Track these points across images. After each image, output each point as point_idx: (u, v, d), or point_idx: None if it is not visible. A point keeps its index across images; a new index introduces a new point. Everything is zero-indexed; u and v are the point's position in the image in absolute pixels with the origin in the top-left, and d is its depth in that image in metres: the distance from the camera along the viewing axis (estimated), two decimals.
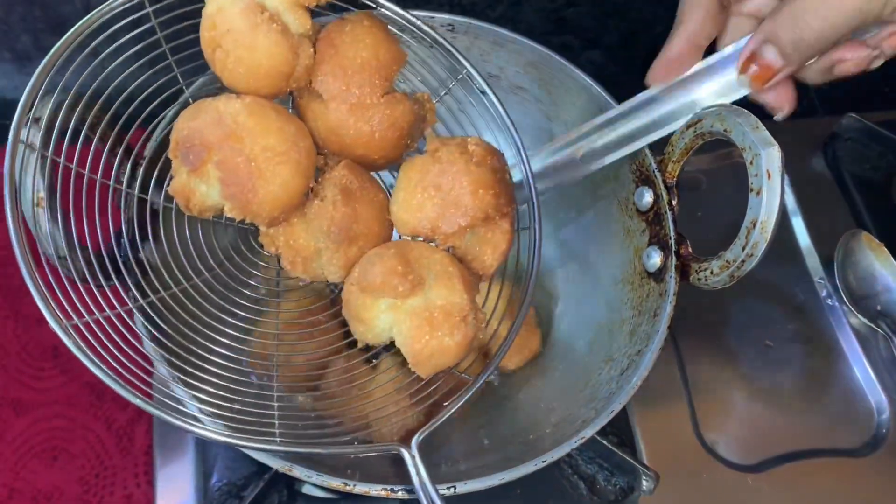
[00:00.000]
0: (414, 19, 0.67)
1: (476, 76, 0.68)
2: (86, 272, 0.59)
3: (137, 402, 0.52)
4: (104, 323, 0.56)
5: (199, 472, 0.76)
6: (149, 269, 0.62)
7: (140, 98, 0.63)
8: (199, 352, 0.59)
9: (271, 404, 0.60)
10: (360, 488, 0.59)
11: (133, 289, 0.60)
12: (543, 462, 0.61)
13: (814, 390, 0.87)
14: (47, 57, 0.58)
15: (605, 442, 0.73)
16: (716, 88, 0.65)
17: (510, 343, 0.63)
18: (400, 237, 0.65)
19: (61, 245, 0.59)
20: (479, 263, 0.64)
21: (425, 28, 0.67)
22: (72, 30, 0.59)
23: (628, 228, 0.77)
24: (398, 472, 0.68)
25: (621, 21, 1.04)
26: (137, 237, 0.63)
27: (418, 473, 0.56)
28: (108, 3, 0.60)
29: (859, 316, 0.90)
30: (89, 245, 0.59)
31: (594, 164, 0.72)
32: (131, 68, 0.62)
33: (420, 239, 0.64)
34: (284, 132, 0.59)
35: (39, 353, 0.83)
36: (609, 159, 0.71)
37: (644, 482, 0.73)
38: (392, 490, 0.59)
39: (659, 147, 0.73)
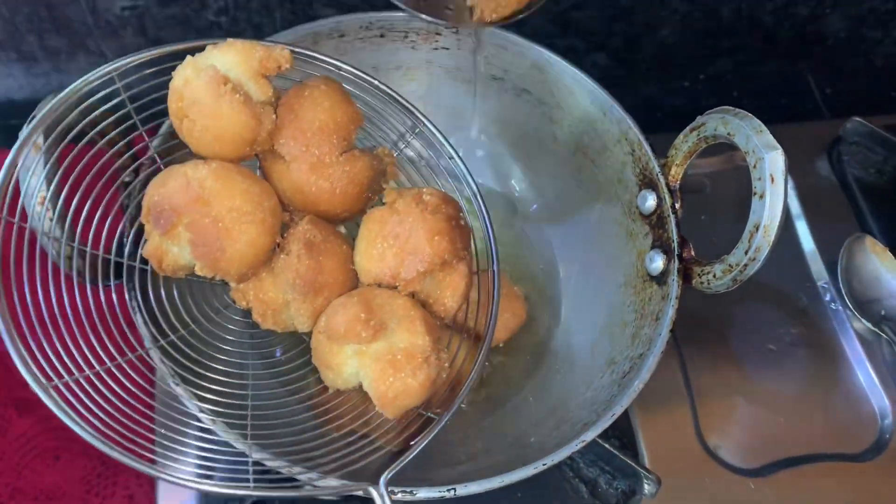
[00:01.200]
0: (371, 79, 0.71)
1: (430, 126, 0.72)
2: (88, 271, 0.59)
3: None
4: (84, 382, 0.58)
5: (201, 472, 0.76)
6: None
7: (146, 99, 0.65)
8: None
9: (246, 454, 0.61)
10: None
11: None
12: (544, 465, 0.61)
13: (817, 395, 0.86)
14: (22, 136, 0.60)
15: (606, 445, 0.73)
16: None
17: (473, 380, 0.65)
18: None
19: (63, 243, 0.59)
20: (440, 306, 0.67)
21: (382, 87, 0.72)
22: (47, 107, 0.61)
23: (631, 231, 0.77)
24: (399, 473, 0.68)
25: (626, 24, 1.04)
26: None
27: None
28: (80, 80, 0.63)
29: (863, 320, 0.89)
30: (89, 245, 0.60)
31: None
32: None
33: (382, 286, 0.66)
34: (250, 193, 0.62)
35: None
36: None
37: (646, 486, 0.73)
38: (392, 492, 0.58)
39: (662, 150, 0.73)
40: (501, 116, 0.74)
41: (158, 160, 0.68)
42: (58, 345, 0.57)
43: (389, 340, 0.62)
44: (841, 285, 0.91)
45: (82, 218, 0.61)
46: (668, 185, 0.72)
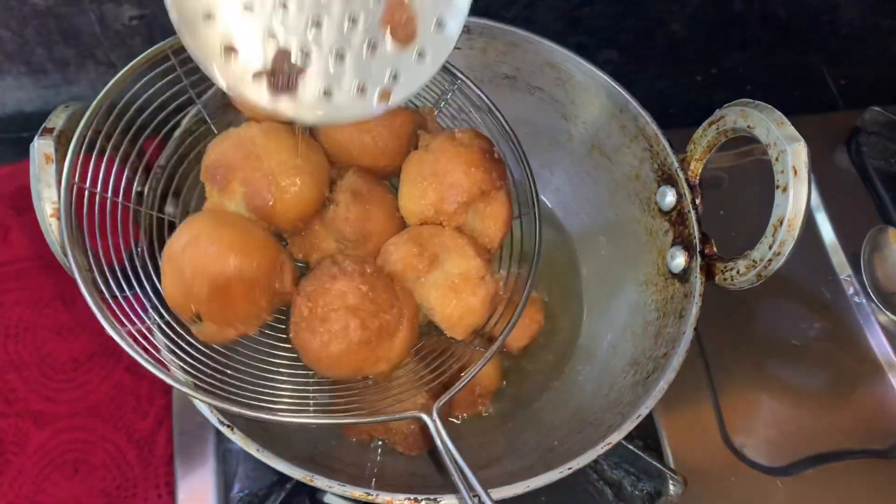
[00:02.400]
0: None
1: (469, 83, 0.74)
2: (100, 283, 0.59)
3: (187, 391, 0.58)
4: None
5: (221, 483, 0.76)
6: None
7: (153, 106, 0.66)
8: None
9: (308, 386, 0.65)
10: (384, 497, 0.58)
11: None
12: (569, 469, 0.60)
13: (842, 390, 0.86)
14: (86, 115, 0.61)
15: (630, 446, 0.72)
16: None
17: (520, 313, 0.67)
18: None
19: (76, 255, 0.59)
20: (485, 237, 0.69)
21: None
22: (106, 87, 0.63)
23: (651, 229, 0.76)
24: (423, 481, 0.68)
25: (636, 19, 1.03)
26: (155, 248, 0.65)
27: (440, 435, 0.59)
28: (136, 59, 0.65)
29: (888, 313, 0.88)
30: (102, 256, 0.60)
31: None
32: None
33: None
34: (296, 148, 0.65)
35: (59, 366, 0.84)
36: None
37: (671, 487, 0.72)
38: (416, 499, 0.58)
39: (681, 145, 0.72)
40: (514, 115, 0.74)
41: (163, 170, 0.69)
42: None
43: (443, 269, 0.65)
44: (864, 278, 0.90)
45: (96, 229, 0.60)
46: (687, 180, 0.71)
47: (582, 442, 0.65)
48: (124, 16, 0.90)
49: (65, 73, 0.96)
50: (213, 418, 0.60)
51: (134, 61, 0.64)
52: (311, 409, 0.62)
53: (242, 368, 0.62)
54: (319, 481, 0.59)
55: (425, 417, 0.60)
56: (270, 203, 0.63)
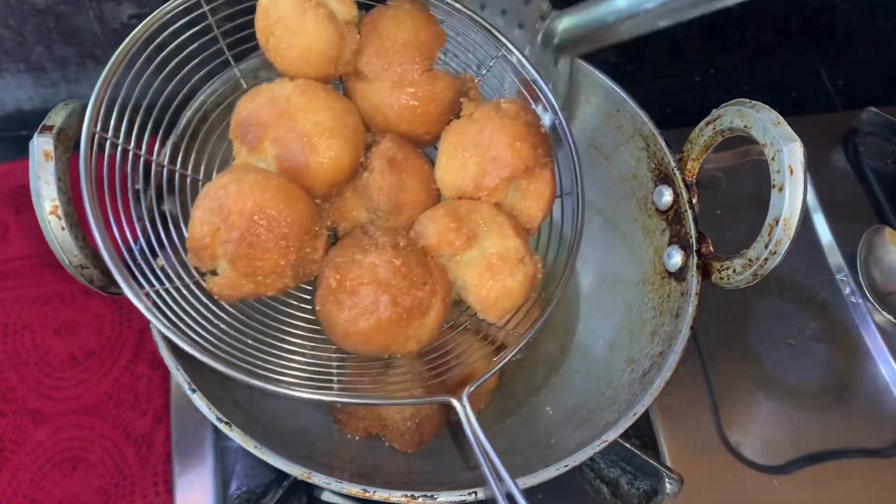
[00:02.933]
0: (456, 3, 0.71)
1: (514, 49, 0.71)
2: (102, 280, 0.59)
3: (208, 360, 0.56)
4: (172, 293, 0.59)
5: (218, 480, 0.76)
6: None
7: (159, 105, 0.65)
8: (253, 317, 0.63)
9: (331, 363, 0.63)
10: (381, 494, 0.58)
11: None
12: (566, 466, 0.60)
13: (838, 389, 0.86)
14: (111, 60, 0.62)
15: (627, 445, 0.72)
16: None
17: (553, 305, 0.65)
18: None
19: (75, 252, 0.59)
20: (526, 216, 0.66)
21: (466, 11, 0.71)
22: (131, 34, 0.63)
23: (647, 228, 0.76)
24: (420, 478, 0.68)
25: None
26: (155, 244, 0.63)
27: (469, 421, 0.58)
28: (164, 6, 0.64)
29: (884, 313, 0.88)
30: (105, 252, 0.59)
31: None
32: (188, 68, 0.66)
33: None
34: (333, 109, 0.62)
35: (58, 363, 0.84)
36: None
37: (668, 485, 0.72)
38: (413, 496, 0.58)
39: (678, 145, 0.72)
40: None
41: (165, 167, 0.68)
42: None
43: (481, 247, 0.62)
44: (861, 278, 0.90)
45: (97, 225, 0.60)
46: (684, 179, 0.71)
47: (578, 439, 0.65)
48: (123, 14, 0.90)
49: (64, 72, 0.96)
50: (211, 415, 0.60)
51: (161, 8, 0.63)
52: (336, 386, 0.60)
53: (260, 338, 0.61)
54: (317, 478, 0.58)
55: (455, 402, 0.59)
56: (304, 166, 0.61)
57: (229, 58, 0.69)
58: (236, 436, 0.60)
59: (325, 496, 0.74)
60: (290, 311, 0.66)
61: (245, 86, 0.70)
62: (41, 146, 0.58)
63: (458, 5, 0.71)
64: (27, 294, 0.87)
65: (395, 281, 0.58)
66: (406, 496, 0.58)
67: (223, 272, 0.59)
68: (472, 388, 0.60)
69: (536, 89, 0.71)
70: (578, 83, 0.78)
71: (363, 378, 0.63)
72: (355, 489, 0.58)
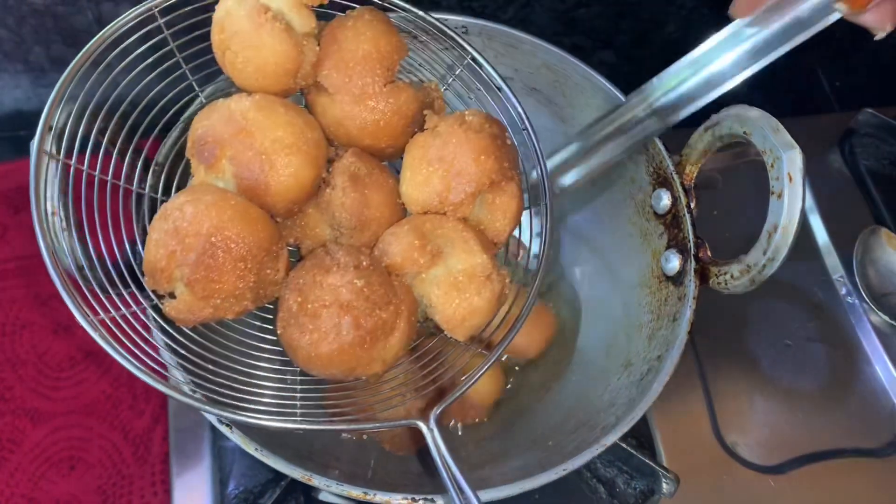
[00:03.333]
0: (418, 11, 0.69)
1: (479, 58, 0.69)
2: (103, 280, 0.59)
3: (160, 387, 0.54)
4: (129, 318, 0.57)
5: (216, 480, 0.76)
6: None
7: (155, 108, 0.64)
8: (213, 340, 0.61)
9: (294, 386, 0.61)
10: (381, 497, 0.58)
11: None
12: (564, 470, 0.61)
13: (835, 390, 0.86)
14: (65, 72, 0.60)
15: (624, 445, 0.72)
16: (803, 16, 0.64)
17: (525, 318, 0.63)
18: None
19: (77, 254, 0.59)
20: (492, 230, 0.64)
21: (428, 18, 0.69)
22: (87, 45, 0.61)
23: (646, 231, 0.76)
24: (419, 480, 0.68)
25: (633, 21, 1.03)
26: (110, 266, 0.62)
27: (436, 445, 0.56)
28: (121, 17, 0.62)
29: (880, 313, 0.89)
30: (105, 253, 0.59)
31: (671, 118, 0.70)
32: (146, 80, 0.64)
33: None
34: (293, 125, 0.60)
35: (56, 363, 0.84)
36: (685, 112, 0.69)
37: (664, 485, 0.72)
38: (413, 499, 0.58)
39: (674, 146, 0.72)
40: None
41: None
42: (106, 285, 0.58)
43: (446, 264, 0.61)
44: (857, 279, 0.90)
45: (97, 227, 0.60)
46: (682, 184, 0.71)
47: (577, 443, 0.65)
48: (121, 15, 0.89)
49: (62, 73, 0.95)
50: (211, 417, 0.60)
51: (115, 21, 0.62)
52: (298, 411, 0.58)
53: (222, 362, 0.59)
54: (317, 480, 0.59)
55: (421, 425, 0.57)
56: (263, 184, 0.59)
57: (186, 72, 0.67)
58: (237, 438, 0.60)
59: (323, 496, 0.74)
60: (252, 332, 0.64)
61: (203, 100, 0.68)
62: (40, 146, 0.58)
63: (419, 12, 0.69)
64: (25, 294, 0.87)
65: (357, 302, 0.56)
66: (406, 499, 0.58)
67: (180, 295, 0.57)
68: (439, 411, 0.57)
69: (503, 97, 0.69)
70: (578, 86, 0.78)
71: (327, 402, 0.61)
72: (356, 492, 0.59)
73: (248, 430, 0.60)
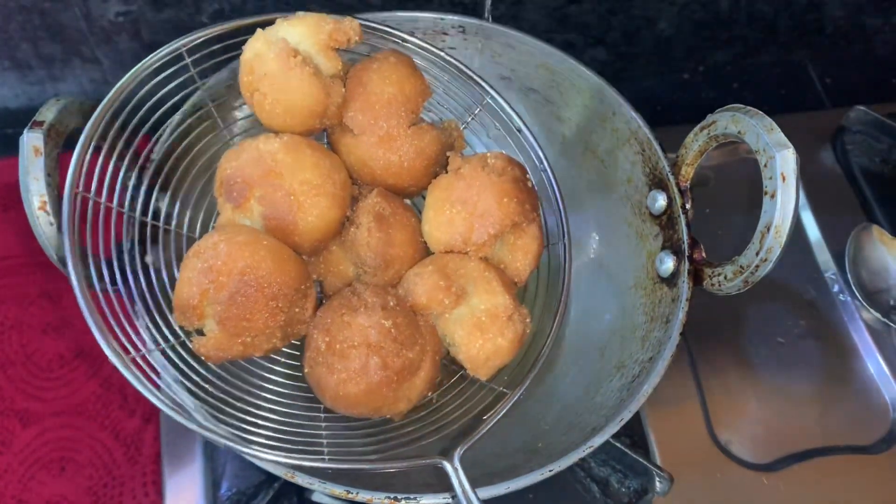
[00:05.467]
0: (440, 52, 0.71)
1: (499, 98, 0.72)
2: (93, 277, 0.59)
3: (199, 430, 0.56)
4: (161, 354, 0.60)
5: (208, 481, 0.76)
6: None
7: (148, 105, 0.65)
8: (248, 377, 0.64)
9: (319, 424, 0.63)
10: (363, 496, 0.59)
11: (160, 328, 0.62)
12: (550, 471, 0.61)
13: (827, 387, 0.86)
14: (95, 113, 0.61)
15: (617, 444, 0.73)
16: None
17: (545, 356, 0.65)
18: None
19: (64, 249, 0.58)
20: (513, 270, 0.67)
21: (452, 61, 0.72)
22: (116, 86, 0.62)
23: (641, 232, 0.76)
24: (405, 479, 0.68)
25: (624, 18, 1.03)
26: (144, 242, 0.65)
27: (461, 484, 0.57)
28: (149, 57, 0.64)
29: (872, 311, 0.89)
30: (90, 249, 0.59)
31: None
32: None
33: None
34: (320, 167, 0.63)
35: (45, 363, 0.83)
36: None
37: (658, 483, 0.72)
38: (396, 498, 0.58)
39: (668, 144, 0.72)
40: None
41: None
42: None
43: (469, 304, 0.63)
44: (849, 276, 0.91)
45: (87, 222, 0.60)
46: (678, 185, 0.71)
47: (566, 444, 0.65)
48: (110, 12, 0.89)
49: (50, 70, 0.95)
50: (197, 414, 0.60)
51: (144, 61, 0.64)
52: (326, 451, 0.60)
53: (246, 398, 0.61)
54: (301, 479, 0.59)
55: (446, 465, 0.57)
56: (292, 224, 0.61)
57: (212, 108, 0.70)
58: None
59: (316, 497, 0.73)
60: (275, 368, 0.66)
61: (229, 138, 0.71)
62: (31, 142, 0.58)
63: (442, 54, 0.71)
64: (14, 293, 0.87)
65: (385, 343, 0.57)
66: (389, 498, 0.58)
67: (211, 333, 0.58)
68: (463, 450, 0.58)
69: (522, 138, 0.71)
70: (575, 86, 0.78)
71: (353, 440, 0.63)
72: (339, 490, 0.59)
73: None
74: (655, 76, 1.11)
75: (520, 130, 0.71)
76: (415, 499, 0.58)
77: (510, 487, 0.60)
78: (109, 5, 0.88)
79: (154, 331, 0.60)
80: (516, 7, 0.99)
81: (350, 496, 0.58)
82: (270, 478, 0.73)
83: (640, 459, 0.73)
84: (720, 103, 0.66)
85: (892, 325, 0.87)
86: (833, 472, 0.81)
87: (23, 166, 0.58)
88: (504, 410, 0.62)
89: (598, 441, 0.62)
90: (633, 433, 0.79)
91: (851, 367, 0.87)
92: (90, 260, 0.58)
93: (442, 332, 0.63)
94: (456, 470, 0.57)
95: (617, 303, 0.78)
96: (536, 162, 0.70)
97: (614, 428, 0.63)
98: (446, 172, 0.67)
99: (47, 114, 0.60)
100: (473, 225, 0.64)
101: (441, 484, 0.59)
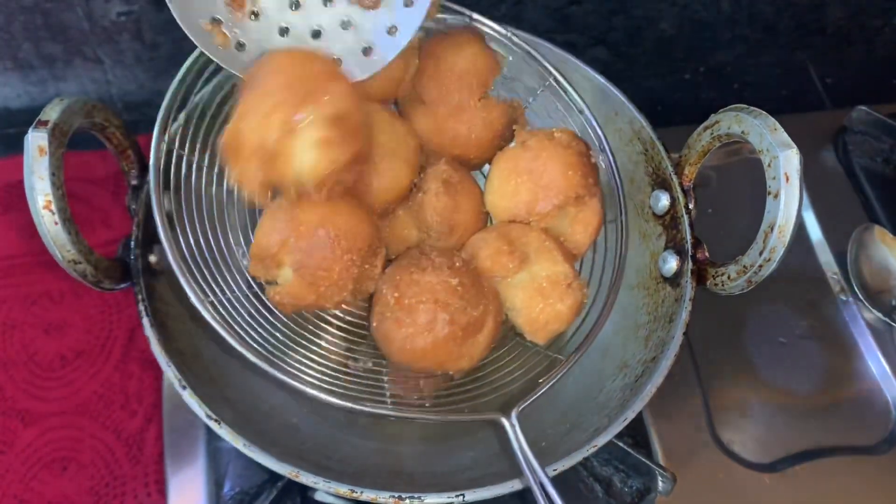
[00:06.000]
0: (508, 33, 0.73)
1: (562, 80, 0.73)
2: (95, 275, 0.59)
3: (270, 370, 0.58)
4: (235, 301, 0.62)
5: (211, 481, 0.76)
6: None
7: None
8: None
9: (382, 377, 0.65)
10: (368, 495, 0.59)
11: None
12: (554, 471, 0.60)
13: (829, 387, 0.86)
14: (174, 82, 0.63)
15: (620, 443, 0.72)
16: None
17: (602, 324, 0.66)
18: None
19: (68, 248, 0.58)
20: (572, 242, 0.68)
21: (516, 40, 0.73)
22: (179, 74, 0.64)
23: (644, 232, 0.76)
24: (409, 479, 0.68)
25: (626, 18, 1.03)
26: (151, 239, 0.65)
27: (518, 440, 0.59)
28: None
29: (874, 311, 0.89)
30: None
31: None
32: None
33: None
34: (396, 132, 0.65)
35: (47, 363, 0.83)
36: None
37: (660, 483, 0.72)
38: (400, 498, 0.58)
39: (670, 143, 0.72)
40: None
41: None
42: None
43: (530, 271, 0.64)
44: (851, 276, 0.91)
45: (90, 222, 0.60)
46: (681, 184, 0.71)
47: (569, 443, 0.65)
48: (112, 11, 0.89)
49: (52, 69, 0.95)
50: (200, 412, 0.60)
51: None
52: (389, 400, 0.63)
53: (313, 348, 0.63)
54: (305, 477, 0.59)
55: (504, 421, 0.60)
56: (366, 184, 0.63)
57: None
58: (225, 433, 0.60)
59: (319, 496, 0.73)
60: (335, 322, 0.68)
61: None
62: (36, 141, 0.57)
63: (510, 34, 0.72)
64: (15, 294, 0.87)
65: (452, 300, 0.59)
66: (394, 497, 0.59)
67: (286, 281, 0.60)
68: (522, 408, 0.60)
69: (583, 120, 0.72)
70: (578, 86, 0.78)
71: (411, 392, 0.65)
72: (343, 489, 0.59)
73: (238, 427, 0.61)
74: (657, 76, 1.11)
75: (581, 112, 0.72)
76: (419, 498, 0.58)
77: (513, 487, 0.60)
78: (111, 5, 0.88)
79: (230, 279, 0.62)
80: (518, 7, 0.99)
81: (355, 495, 0.59)
82: (274, 477, 0.73)
83: (643, 459, 0.73)
84: (721, 104, 0.66)
85: (893, 325, 0.87)
86: (835, 473, 0.81)
87: (27, 165, 0.57)
88: (560, 375, 0.63)
89: (601, 441, 0.62)
90: (636, 433, 0.79)
91: (853, 368, 0.87)
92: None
93: (504, 296, 0.65)
94: (514, 426, 0.59)
95: (619, 302, 0.76)
96: (596, 143, 0.71)
97: (618, 428, 0.63)
98: (511, 146, 0.68)
99: (52, 113, 0.59)
100: (538, 195, 0.65)
101: (447, 484, 0.59)
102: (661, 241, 0.73)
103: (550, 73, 0.73)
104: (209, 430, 0.76)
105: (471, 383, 0.66)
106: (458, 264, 0.61)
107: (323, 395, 0.58)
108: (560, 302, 0.63)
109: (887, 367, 0.86)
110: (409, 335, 0.59)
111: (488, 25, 0.72)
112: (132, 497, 0.77)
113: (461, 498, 0.59)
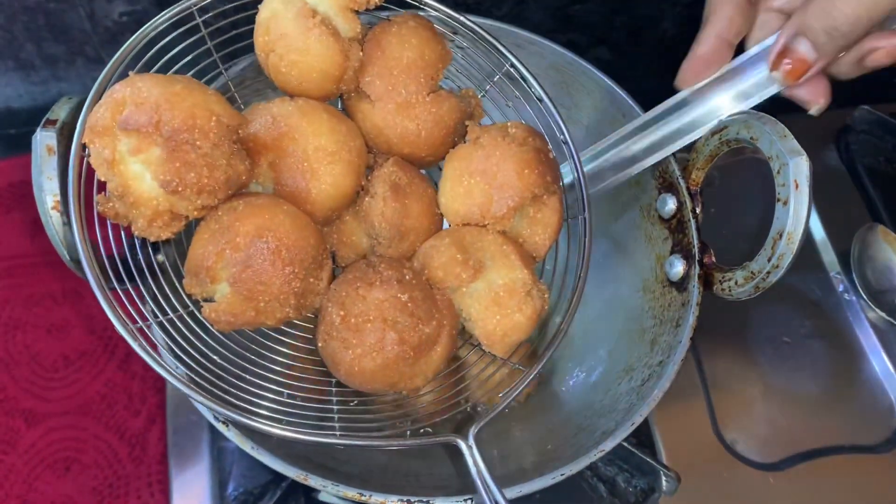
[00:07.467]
0: (460, 17, 0.68)
1: (519, 66, 0.68)
2: (100, 277, 0.59)
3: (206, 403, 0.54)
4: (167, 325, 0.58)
5: (215, 481, 0.76)
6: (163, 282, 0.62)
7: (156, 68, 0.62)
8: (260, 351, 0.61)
9: (330, 399, 0.61)
10: (376, 498, 0.58)
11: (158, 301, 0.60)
12: (562, 475, 0.61)
13: (833, 387, 0.86)
14: (105, 70, 0.58)
15: (624, 443, 0.72)
16: (746, 88, 0.64)
17: (562, 336, 0.62)
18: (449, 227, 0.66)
19: (75, 248, 0.58)
20: (531, 244, 0.64)
21: (470, 24, 0.68)
22: (127, 42, 0.60)
23: (650, 236, 0.76)
24: (417, 482, 0.68)
25: (628, 17, 1.03)
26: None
27: (475, 463, 0.56)
28: (159, 15, 0.61)
29: (877, 310, 0.89)
30: (104, 249, 0.59)
31: (621, 175, 0.71)
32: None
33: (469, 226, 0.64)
34: (336, 133, 0.60)
35: (50, 363, 0.83)
36: (636, 169, 0.70)
37: (665, 483, 0.72)
38: (409, 501, 0.58)
39: (683, 153, 0.72)
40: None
41: None
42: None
43: (487, 279, 0.60)
44: (854, 276, 0.91)
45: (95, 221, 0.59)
46: (688, 188, 0.71)
47: (575, 447, 0.65)
48: (114, 12, 0.89)
49: (54, 69, 0.95)
50: (208, 414, 0.60)
51: (153, 21, 0.60)
52: (337, 426, 0.57)
53: (257, 371, 0.59)
54: (313, 480, 0.58)
55: (461, 443, 0.56)
56: (304, 191, 0.58)
57: (222, 70, 0.67)
58: (233, 435, 0.59)
59: (323, 497, 0.73)
60: (284, 340, 0.64)
61: (239, 101, 0.68)
62: (44, 140, 0.57)
63: (462, 18, 0.68)
64: (18, 294, 0.86)
65: (401, 318, 0.56)
66: (402, 500, 0.58)
67: (222, 297, 0.56)
68: (477, 429, 0.57)
69: (542, 108, 0.68)
70: (584, 88, 0.78)
71: (366, 416, 0.61)
72: (351, 492, 0.58)
73: (246, 429, 0.59)
74: (658, 76, 1.10)
75: (540, 100, 0.68)
76: (428, 501, 0.58)
77: (522, 491, 0.60)
78: (114, 5, 0.88)
79: (163, 301, 0.58)
80: (520, 7, 0.99)
81: (363, 499, 0.58)
82: (278, 478, 0.73)
83: (647, 459, 0.73)
84: None
85: None
86: (839, 472, 0.81)
87: (36, 165, 0.57)
88: (521, 388, 0.60)
89: (609, 445, 0.62)
90: (640, 433, 0.79)
91: (857, 367, 0.88)
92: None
93: (458, 306, 0.61)
94: (470, 448, 0.56)
95: (625, 306, 0.78)
96: (557, 132, 0.67)
97: (625, 432, 0.63)
98: (465, 142, 0.64)
99: (60, 112, 0.58)
100: (492, 196, 0.61)
101: (455, 486, 0.59)
102: (668, 244, 0.73)
103: (507, 58, 0.68)
104: (213, 431, 0.76)
105: (425, 401, 0.63)
106: (408, 277, 0.58)
107: (263, 426, 0.54)
108: (518, 311, 0.60)
109: (891, 366, 0.87)
110: (356, 357, 0.56)
111: (437, 9, 0.68)
112: (135, 497, 0.77)
113: (470, 502, 0.58)
